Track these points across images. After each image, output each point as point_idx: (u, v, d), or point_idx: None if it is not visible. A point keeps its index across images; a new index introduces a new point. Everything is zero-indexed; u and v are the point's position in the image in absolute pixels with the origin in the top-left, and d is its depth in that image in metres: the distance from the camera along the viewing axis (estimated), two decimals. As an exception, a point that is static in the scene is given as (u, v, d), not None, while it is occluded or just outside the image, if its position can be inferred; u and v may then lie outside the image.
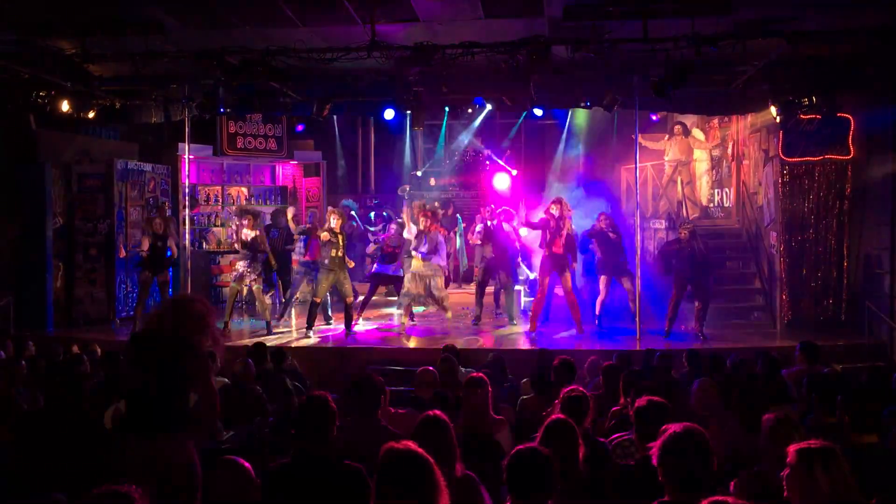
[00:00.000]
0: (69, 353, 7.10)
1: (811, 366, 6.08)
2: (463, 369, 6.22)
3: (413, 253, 9.29)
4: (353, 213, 11.35)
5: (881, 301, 9.02)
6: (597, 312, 9.76)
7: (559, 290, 9.37)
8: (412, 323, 9.86)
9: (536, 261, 10.32)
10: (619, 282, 9.62)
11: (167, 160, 12.20)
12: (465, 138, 13.72)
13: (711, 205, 12.71)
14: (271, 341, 8.78)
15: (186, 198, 10.35)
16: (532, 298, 10.74)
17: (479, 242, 10.54)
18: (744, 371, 6.06)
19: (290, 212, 10.46)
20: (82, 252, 11.06)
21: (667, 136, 12.78)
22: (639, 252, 9.09)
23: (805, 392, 5.30)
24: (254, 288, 9.79)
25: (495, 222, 10.21)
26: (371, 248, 10.29)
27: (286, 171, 13.97)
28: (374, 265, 10.54)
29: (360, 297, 10.21)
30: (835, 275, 9.62)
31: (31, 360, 7.01)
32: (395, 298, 10.25)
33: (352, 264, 9.67)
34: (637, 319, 8.96)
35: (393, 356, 8.48)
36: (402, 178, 14.62)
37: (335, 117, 13.32)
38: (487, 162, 13.87)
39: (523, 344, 9.00)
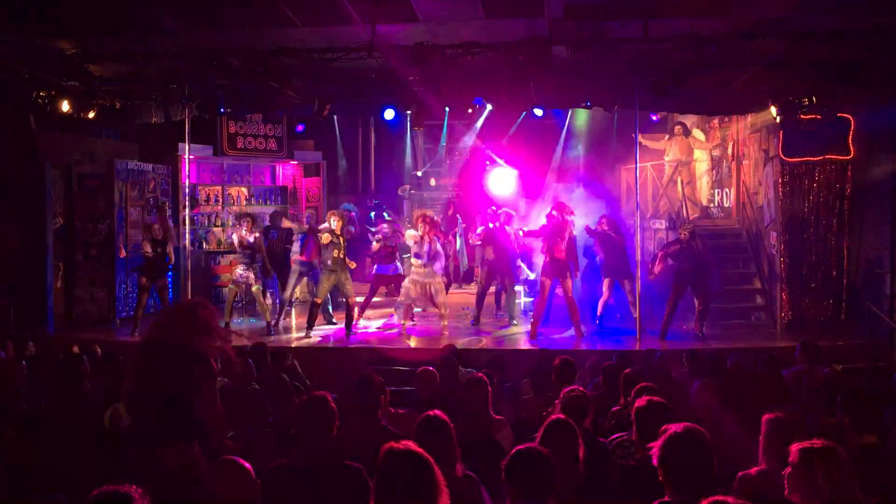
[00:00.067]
0: (69, 353, 7.10)
1: (811, 366, 6.08)
2: (463, 369, 6.22)
3: (413, 260, 9.31)
4: (353, 214, 11.34)
5: (881, 301, 9.02)
6: (598, 313, 9.77)
7: (559, 291, 9.37)
8: (412, 323, 9.88)
9: (536, 260, 10.32)
10: (620, 284, 9.63)
11: (167, 160, 12.20)
12: (467, 139, 13.72)
13: (711, 205, 12.71)
14: (271, 341, 8.80)
15: (186, 198, 10.36)
16: (531, 299, 10.76)
17: (479, 243, 10.54)
18: (744, 371, 6.06)
19: (307, 216, 10.40)
20: (82, 252, 11.05)
21: (667, 136, 12.78)
22: (639, 252, 9.09)
23: (805, 392, 5.30)
24: (253, 289, 9.82)
25: (497, 224, 10.19)
26: (375, 246, 10.29)
27: (286, 171, 13.97)
28: (374, 266, 10.55)
29: (360, 299, 10.22)
30: (835, 275, 9.62)
31: (31, 360, 7.02)
32: (396, 299, 10.27)
33: (353, 265, 9.69)
34: (637, 320, 8.96)
35: (393, 356, 8.48)
36: (402, 178, 14.62)
37: (335, 117, 13.32)
38: (488, 162, 13.86)
39: (523, 344, 9.00)
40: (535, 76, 8.42)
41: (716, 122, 12.46)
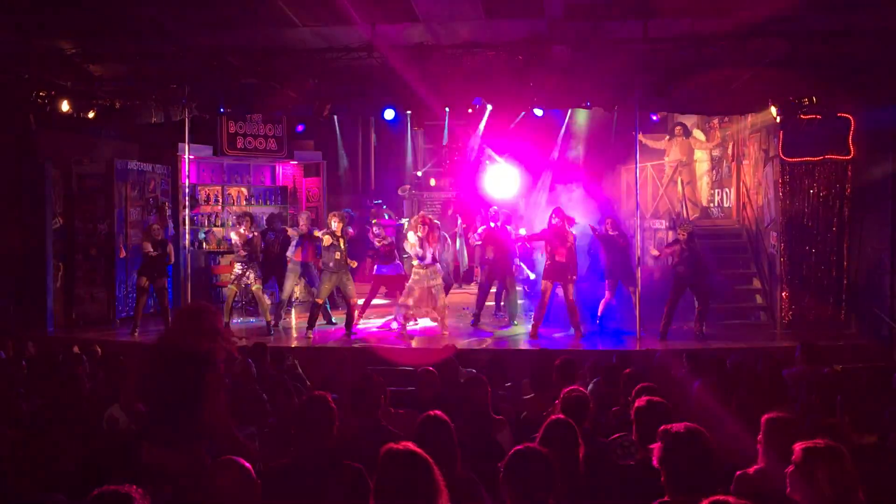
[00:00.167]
0: (69, 353, 7.10)
1: (811, 366, 6.08)
2: (463, 369, 6.21)
3: (415, 262, 9.32)
4: (352, 215, 11.35)
5: (881, 301, 9.01)
6: (599, 313, 9.77)
7: (560, 291, 9.37)
8: (412, 323, 9.87)
9: (536, 259, 10.32)
10: (624, 286, 9.64)
11: (167, 160, 12.19)
12: (472, 142, 13.71)
13: (711, 205, 12.71)
14: (271, 341, 8.80)
15: (186, 198, 10.36)
16: (530, 300, 10.76)
17: (479, 243, 10.54)
18: (744, 371, 6.06)
19: (305, 218, 10.34)
20: (82, 252, 11.05)
21: (667, 136, 12.77)
22: (639, 252, 9.09)
23: (805, 392, 5.30)
24: (253, 288, 9.81)
25: (498, 223, 10.19)
26: (377, 242, 10.32)
27: (286, 171, 13.97)
28: (374, 267, 10.56)
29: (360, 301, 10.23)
30: (835, 275, 9.62)
31: (31, 360, 7.02)
32: (398, 300, 10.28)
33: (354, 264, 9.71)
34: (637, 320, 8.96)
35: (393, 356, 8.48)
36: (402, 178, 14.61)
37: (335, 117, 13.31)
38: (488, 162, 13.85)
39: (523, 344, 9.00)
40: (535, 76, 8.43)
41: (716, 122, 12.46)
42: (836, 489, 2.70)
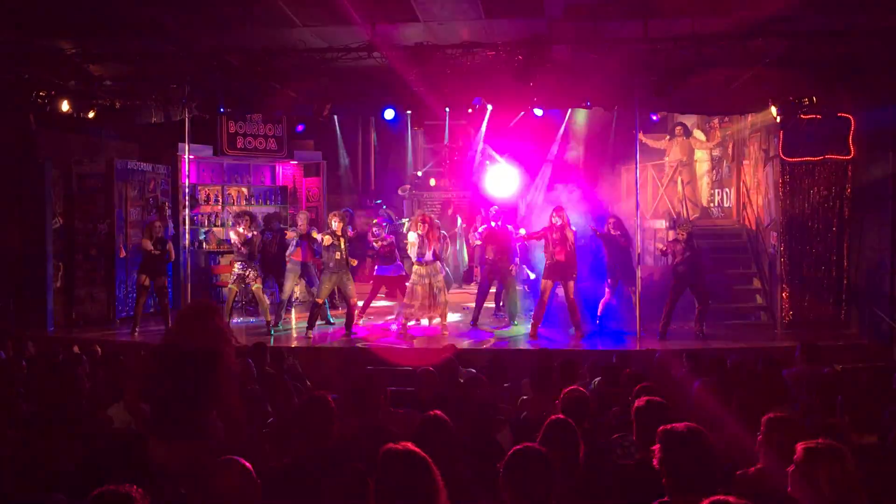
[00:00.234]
0: (69, 353, 7.10)
1: (811, 366, 6.08)
2: (463, 369, 6.21)
3: (416, 261, 9.32)
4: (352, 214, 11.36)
5: (881, 301, 9.01)
6: (598, 313, 9.77)
7: (560, 291, 9.37)
8: (413, 323, 9.87)
9: (536, 257, 10.31)
10: (625, 286, 9.64)
11: (167, 160, 12.19)
12: (476, 144, 13.70)
13: (711, 205, 12.71)
14: (271, 341, 8.80)
15: (186, 198, 10.36)
16: (531, 300, 10.75)
17: (479, 243, 10.53)
18: (744, 371, 6.06)
19: (303, 217, 10.35)
20: (82, 252, 11.04)
21: (667, 136, 12.78)
22: (639, 252, 9.09)
23: (805, 392, 5.30)
24: (253, 288, 9.82)
25: (499, 223, 10.19)
26: (375, 243, 10.32)
27: (286, 171, 13.97)
28: (375, 268, 10.57)
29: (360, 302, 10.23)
30: (835, 275, 9.62)
31: (31, 360, 7.01)
32: (395, 304, 10.30)
33: (354, 262, 9.71)
34: (637, 320, 8.96)
35: (393, 356, 8.47)
36: (402, 178, 14.61)
37: (335, 117, 13.31)
38: (487, 162, 13.85)
39: (523, 344, 9.00)
40: (535, 76, 8.42)
41: (716, 122, 12.46)
42: (838, 489, 2.70)
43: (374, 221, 10.96)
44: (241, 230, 9.66)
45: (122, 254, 10.72)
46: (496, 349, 8.70)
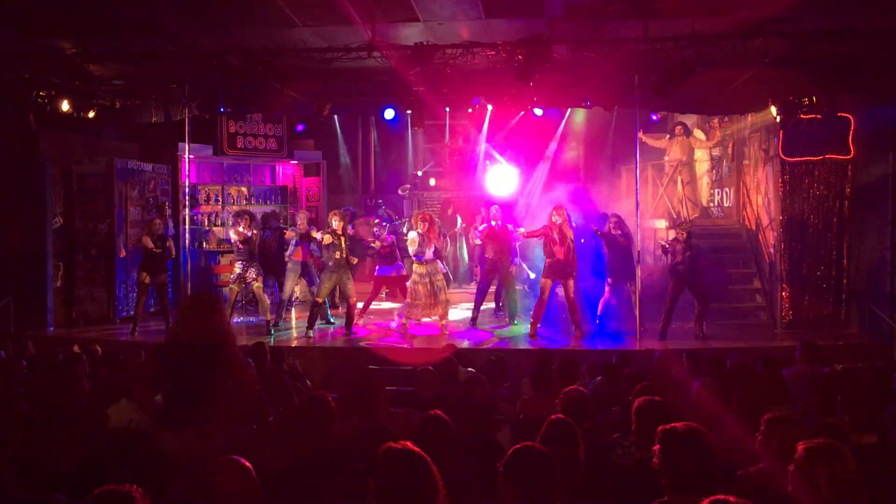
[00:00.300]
0: (69, 352, 7.10)
1: (811, 365, 6.08)
2: (463, 369, 6.21)
3: (416, 260, 9.32)
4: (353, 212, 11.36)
5: (881, 301, 9.02)
6: (598, 312, 9.77)
7: (560, 291, 9.37)
8: (413, 323, 9.87)
9: (534, 256, 10.31)
10: (624, 285, 9.63)
11: (167, 160, 12.20)
12: (478, 146, 13.70)
13: (711, 205, 12.71)
14: (271, 341, 8.80)
15: (186, 198, 10.36)
16: (530, 299, 10.75)
17: (479, 243, 10.53)
18: (744, 371, 6.06)
19: (303, 217, 10.35)
20: (82, 252, 11.05)
21: (667, 136, 12.78)
22: (639, 252, 9.09)
23: (805, 392, 5.30)
24: (254, 286, 9.82)
25: (499, 222, 10.19)
26: (377, 244, 10.33)
27: (286, 171, 13.97)
28: (376, 268, 10.57)
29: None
30: (835, 274, 9.62)
31: (31, 360, 7.01)
32: (397, 306, 10.31)
33: (355, 261, 9.71)
34: (637, 320, 8.96)
35: (393, 356, 8.47)
36: (402, 178, 14.62)
37: (335, 117, 13.31)
38: (488, 161, 13.86)
39: (523, 344, 8.99)
40: (535, 76, 8.42)
41: (716, 121, 12.45)
42: (838, 489, 2.70)
43: (375, 222, 10.97)
44: (240, 229, 9.68)
45: (122, 253, 10.73)
46: (496, 349, 8.70)
